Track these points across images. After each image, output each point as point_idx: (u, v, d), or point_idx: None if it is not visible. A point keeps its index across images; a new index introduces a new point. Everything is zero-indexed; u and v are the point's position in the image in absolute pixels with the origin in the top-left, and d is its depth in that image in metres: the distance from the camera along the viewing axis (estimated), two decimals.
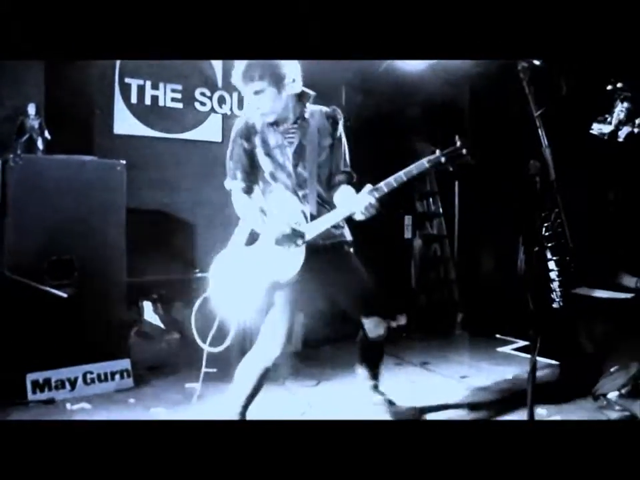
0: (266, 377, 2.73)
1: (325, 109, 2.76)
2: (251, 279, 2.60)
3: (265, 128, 2.67)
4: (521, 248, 5.87)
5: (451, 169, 2.33)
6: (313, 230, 2.55)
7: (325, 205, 2.68)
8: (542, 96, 2.37)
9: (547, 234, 4.90)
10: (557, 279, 4.86)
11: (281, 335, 2.64)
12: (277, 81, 2.50)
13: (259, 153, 2.67)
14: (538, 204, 2.59)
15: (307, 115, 2.69)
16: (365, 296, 2.82)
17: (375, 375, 3.03)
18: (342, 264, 2.77)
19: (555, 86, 3.77)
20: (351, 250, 2.82)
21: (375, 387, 3.03)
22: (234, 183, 2.71)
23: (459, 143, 2.38)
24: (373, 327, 2.83)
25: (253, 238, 2.71)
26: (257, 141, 2.67)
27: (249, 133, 2.68)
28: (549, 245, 4.86)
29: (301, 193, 2.64)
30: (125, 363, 3.58)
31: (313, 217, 2.59)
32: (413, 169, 2.37)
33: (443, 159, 2.36)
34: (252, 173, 2.71)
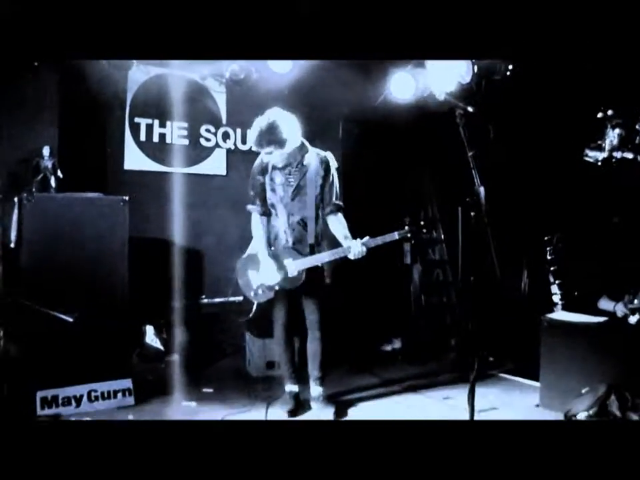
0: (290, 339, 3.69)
1: (321, 153, 3.52)
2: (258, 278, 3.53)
3: (274, 169, 3.48)
4: (525, 272, 5.97)
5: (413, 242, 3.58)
6: (308, 263, 3.39)
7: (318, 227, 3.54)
8: (474, 139, 2.63)
9: (549, 258, 5.03)
10: (559, 302, 4.98)
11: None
12: (281, 144, 3.27)
13: (267, 187, 3.52)
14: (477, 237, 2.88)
15: (305, 162, 3.47)
16: None
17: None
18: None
19: (484, 130, 4.00)
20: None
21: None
22: (253, 207, 3.58)
23: (422, 223, 3.42)
24: None
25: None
26: (267, 178, 3.50)
27: (263, 171, 3.52)
28: (552, 268, 4.98)
29: (290, 220, 3.49)
30: (127, 383, 3.84)
31: (311, 246, 3.46)
32: (387, 237, 3.28)
33: (409, 235, 3.30)
34: (266, 201, 3.54)
